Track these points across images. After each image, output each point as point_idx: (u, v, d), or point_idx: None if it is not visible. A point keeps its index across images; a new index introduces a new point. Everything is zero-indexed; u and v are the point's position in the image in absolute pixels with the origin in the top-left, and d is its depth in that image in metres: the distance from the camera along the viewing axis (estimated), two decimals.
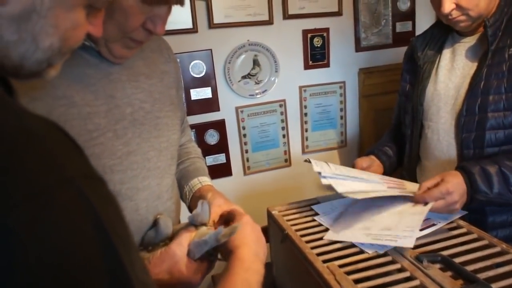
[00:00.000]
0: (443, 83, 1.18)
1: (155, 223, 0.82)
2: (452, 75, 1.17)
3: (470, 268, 0.80)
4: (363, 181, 1.04)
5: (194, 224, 0.76)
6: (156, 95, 0.88)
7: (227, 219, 0.79)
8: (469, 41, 1.15)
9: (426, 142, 1.24)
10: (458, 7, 1.04)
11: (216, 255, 0.75)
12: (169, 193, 0.90)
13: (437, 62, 1.22)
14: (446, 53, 1.20)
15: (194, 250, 0.70)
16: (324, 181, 0.98)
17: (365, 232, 0.91)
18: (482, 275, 0.77)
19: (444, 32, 1.22)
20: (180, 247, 0.70)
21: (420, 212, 0.90)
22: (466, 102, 1.09)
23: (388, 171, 1.29)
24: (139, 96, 0.83)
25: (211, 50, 1.84)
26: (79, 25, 0.43)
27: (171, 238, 0.78)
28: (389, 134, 1.43)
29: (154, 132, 0.85)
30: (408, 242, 0.82)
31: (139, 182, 0.82)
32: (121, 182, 0.78)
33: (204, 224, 0.76)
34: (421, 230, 0.91)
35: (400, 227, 0.87)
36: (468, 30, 1.13)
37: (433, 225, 0.94)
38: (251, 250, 0.68)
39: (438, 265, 0.83)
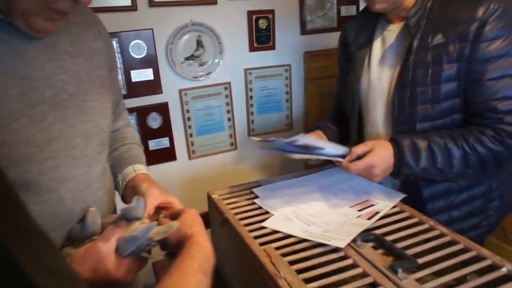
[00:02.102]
0: (376, 74, 1.17)
1: (83, 217, 0.77)
2: (383, 66, 1.15)
3: (401, 245, 0.83)
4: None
5: (126, 218, 0.70)
6: (83, 76, 0.80)
7: (171, 216, 0.75)
8: (396, 29, 1.13)
9: (367, 134, 1.24)
10: None
11: (149, 251, 0.71)
12: (99, 182, 0.84)
13: (369, 50, 1.19)
14: (377, 41, 1.18)
15: (123, 247, 0.65)
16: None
17: (304, 228, 0.92)
18: (410, 251, 0.80)
19: (374, 18, 1.19)
20: (107, 243, 0.65)
21: (361, 224, 0.91)
22: (397, 95, 1.07)
23: None
24: (62, 77, 0.76)
25: (152, 29, 1.76)
26: None
27: (100, 233, 0.73)
28: (331, 114, 1.42)
29: (81, 117, 0.79)
30: (340, 243, 0.82)
31: (63, 172, 0.75)
32: (40, 173, 0.71)
33: (138, 219, 0.71)
34: (368, 219, 0.93)
35: (338, 232, 0.88)
36: (387, 12, 1.11)
37: (377, 213, 0.96)
38: (207, 239, 0.66)
39: (371, 244, 0.85)
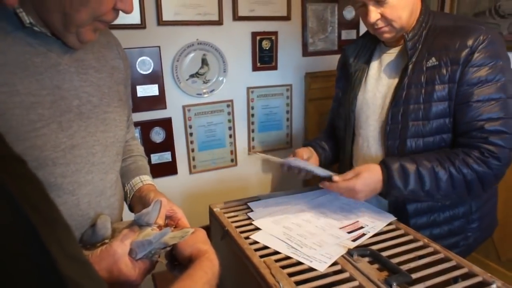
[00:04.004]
0: (371, 92, 1.23)
1: (94, 222, 0.80)
2: (379, 85, 1.22)
3: (395, 260, 0.86)
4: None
5: (139, 223, 0.75)
6: (105, 90, 0.87)
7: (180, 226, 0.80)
8: (394, 52, 1.21)
9: (357, 149, 1.30)
10: (383, 17, 1.10)
11: (158, 255, 0.75)
12: (113, 189, 0.89)
13: (366, 70, 1.27)
14: (375, 62, 1.26)
15: (137, 250, 0.70)
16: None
17: (289, 243, 0.95)
18: (404, 267, 0.83)
19: (373, 42, 1.27)
20: (122, 245, 0.69)
21: (345, 245, 0.94)
22: (391, 111, 1.14)
23: (323, 164, 1.33)
24: (87, 89, 0.82)
25: (159, 47, 1.82)
26: None
27: (112, 237, 0.76)
28: (324, 132, 1.48)
29: (101, 126, 0.84)
30: (320, 266, 0.85)
31: (81, 177, 0.80)
32: (62, 176, 0.76)
33: (149, 225, 0.75)
34: (353, 240, 0.96)
35: (320, 252, 0.91)
36: (392, 40, 1.19)
37: (363, 235, 0.99)
38: (216, 256, 0.70)
39: (367, 259, 0.88)
